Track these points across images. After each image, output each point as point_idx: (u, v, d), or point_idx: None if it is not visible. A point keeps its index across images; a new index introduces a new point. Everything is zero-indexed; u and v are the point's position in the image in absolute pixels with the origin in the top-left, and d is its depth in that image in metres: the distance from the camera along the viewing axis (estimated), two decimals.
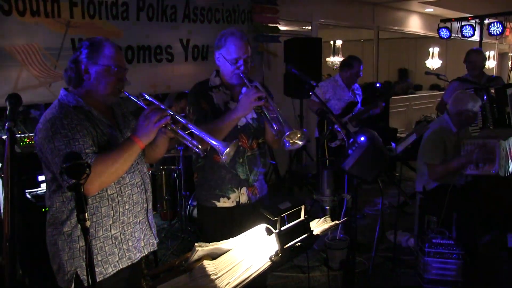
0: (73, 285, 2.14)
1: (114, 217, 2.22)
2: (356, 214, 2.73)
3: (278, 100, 2.62)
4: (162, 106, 2.14)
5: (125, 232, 2.28)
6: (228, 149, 2.16)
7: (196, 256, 1.72)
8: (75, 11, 4.45)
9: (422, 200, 4.82)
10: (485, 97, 5.26)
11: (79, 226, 2.05)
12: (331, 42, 12.05)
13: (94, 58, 2.16)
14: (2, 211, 4.09)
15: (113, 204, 2.21)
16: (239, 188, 2.87)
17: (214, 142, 2.17)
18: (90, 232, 2.05)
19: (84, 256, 2.11)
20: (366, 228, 5.64)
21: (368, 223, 5.87)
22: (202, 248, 1.72)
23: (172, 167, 5.15)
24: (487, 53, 6.62)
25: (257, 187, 2.96)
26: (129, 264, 2.31)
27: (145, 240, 2.43)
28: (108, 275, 2.21)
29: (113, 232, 2.22)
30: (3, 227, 1.58)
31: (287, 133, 2.44)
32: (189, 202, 5.09)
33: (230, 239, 1.82)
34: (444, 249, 4.01)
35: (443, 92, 6.24)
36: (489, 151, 4.10)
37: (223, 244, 1.77)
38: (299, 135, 2.52)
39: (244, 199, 2.89)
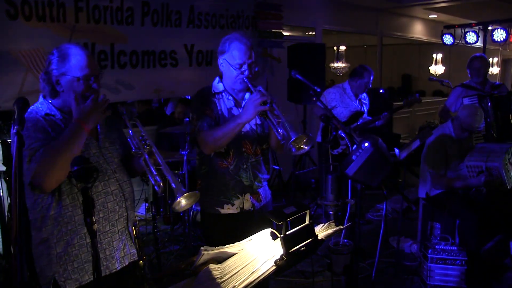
0: None
1: None
2: (360, 220, 2.73)
3: (281, 105, 2.61)
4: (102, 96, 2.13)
5: (101, 241, 2.25)
6: (181, 198, 2.10)
7: (201, 260, 1.72)
8: (80, 16, 4.48)
9: (425, 206, 4.82)
10: (489, 104, 5.27)
11: (55, 232, 2.13)
12: (335, 48, 12.08)
13: (63, 69, 2.14)
14: (7, 214, 4.11)
15: None
16: (243, 195, 2.85)
17: (174, 186, 2.11)
18: (65, 239, 2.13)
19: (61, 262, 2.15)
20: (369, 233, 5.63)
21: (371, 228, 5.87)
22: (208, 252, 1.72)
23: (176, 171, 5.16)
24: (490, 60, 6.62)
25: (261, 194, 2.94)
26: (107, 273, 2.28)
27: (125, 250, 2.39)
28: (84, 282, 2.20)
29: (87, 240, 2.18)
30: (11, 231, 1.59)
31: (293, 138, 2.43)
32: (192, 206, 5.09)
33: (236, 243, 1.83)
34: (447, 255, 4.01)
35: (446, 98, 6.23)
36: (495, 175, 4.12)
37: (228, 248, 1.78)
38: (305, 140, 2.51)
39: (247, 205, 2.87)
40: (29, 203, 2.15)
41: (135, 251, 2.47)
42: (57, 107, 2.21)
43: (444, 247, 4.05)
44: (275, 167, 6.82)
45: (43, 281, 2.17)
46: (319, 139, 5.83)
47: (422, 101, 12.62)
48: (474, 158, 4.28)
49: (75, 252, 2.18)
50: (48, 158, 1.97)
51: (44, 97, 2.23)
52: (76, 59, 2.14)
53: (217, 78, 2.88)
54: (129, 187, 2.41)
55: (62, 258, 2.16)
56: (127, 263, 2.41)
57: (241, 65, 2.71)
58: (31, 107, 2.17)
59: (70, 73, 2.13)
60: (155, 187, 2.15)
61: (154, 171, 2.15)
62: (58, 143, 2.02)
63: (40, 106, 2.19)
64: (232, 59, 2.72)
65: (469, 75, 5.68)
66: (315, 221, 2.19)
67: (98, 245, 2.17)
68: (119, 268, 2.35)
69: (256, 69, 2.80)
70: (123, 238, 2.37)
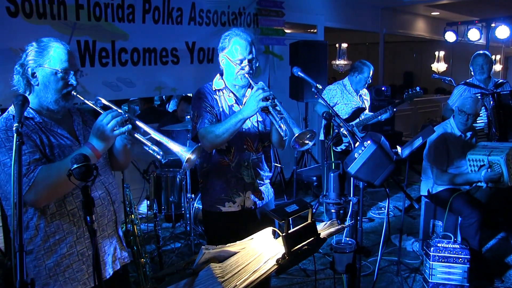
0: None
1: (77, 233, 2.11)
2: (362, 218, 2.71)
3: (283, 103, 2.59)
4: (121, 112, 2.03)
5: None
6: (190, 154, 2.06)
7: (203, 258, 1.71)
8: (81, 13, 4.47)
9: (427, 204, 4.81)
10: (492, 103, 5.24)
11: (41, 243, 2.02)
12: (337, 46, 12.05)
13: (41, 60, 2.03)
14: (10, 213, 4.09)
15: (75, 220, 2.09)
16: (245, 192, 2.83)
17: (174, 147, 2.07)
18: (54, 249, 2.03)
19: (51, 274, 2.06)
20: (371, 231, 5.62)
21: (373, 226, 5.86)
22: (209, 251, 1.71)
23: (177, 169, 5.15)
24: (493, 57, 6.59)
25: (263, 192, 2.92)
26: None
27: (115, 254, 2.32)
28: None
29: (78, 249, 2.11)
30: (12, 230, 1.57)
31: (297, 134, 2.42)
32: (194, 204, 5.09)
33: (237, 242, 1.82)
34: (450, 253, 3.99)
35: (448, 96, 6.21)
36: (496, 170, 4.11)
37: (230, 247, 1.76)
38: (308, 135, 2.50)
39: (249, 203, 2.85)
40: (10, 214, 2.05)
41: (126, 254, 2.41)
42: (35, 109, 2.09)
43: (447, 245, 4.03)
44: (276, 164, 6.81)
45: None
46: (321, 136, 5.81)
47: (424, 98, 12.66)
48: (477, 153, 4.27)
49: (66, 262, 2.09)
50: (48, 181, 1.89)
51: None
52: (56, 52, 2.05)
53: (218, 75, 2.87)
54: (114, 188, 2.32)
55: (52, 270, 2.07)
56: (119, 267, 2.34)
57: (241, 61, 2.69)
58: (6, 112, 2.07)
59: (49, 65, 2.03)
60: (157, 156, 2.06)
61: (147, 142, 2.07)
62: (60, 167, 1.90)
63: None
64: (232, 55, 2.70)
65: (472, 72, 5.65)
66: (316, 219, 2.18)
67: (89, 252, 2.13)
68: (112, 273, 2.28)
69: (256, 65, 2.78)
70: (113, 242, 2.30)
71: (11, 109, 2.06)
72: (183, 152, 2.05)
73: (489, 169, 4.15)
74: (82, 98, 2.12)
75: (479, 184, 4.34)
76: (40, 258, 2.05)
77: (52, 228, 2.04)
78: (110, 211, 2.25)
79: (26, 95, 2.04)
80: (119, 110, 2.04)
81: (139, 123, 2.08)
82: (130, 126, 2.02)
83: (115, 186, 2.35)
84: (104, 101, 2.18)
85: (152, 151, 2.07)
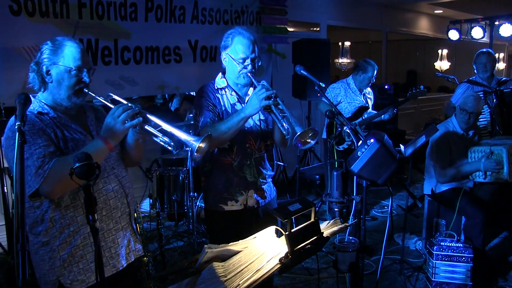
0: None
1: None
2: (365, 216, 2.71)
3: (286, 101, 2.59)
4: (132, 105, 2.09)
5: (106, 239, 2.23)
6: (200, 143, 2.10)
7: (205, 258, 1.71)
8: (84, 12, 4.47)
9: (430, 202, 4.80)
10: (495, 100, 5.22)
11: (57, 235, 2.08)
12: (340, 44, 12.03)
13: (55, 59, 2.10)
14: (11, 211, 4.11)
15: None
16: (247, 191, 2.82)
17: (184, 137, 2.11)
18: (68, 241, 2.09)
19: (65, 265, 2.12)
20: (374, 230, 5.61)
21: (376, 225, 5.85)
22: (211, 250, 1.71)
23: (180, 168, 5.15)
24: (496, 55, 6.56)
25: (265, 190, 2.91)
26: (114, 272, 2.27)
27: (130, 247, 2.38)
28: (91, 283, 2.16)
29: (92, 240, 2.14)
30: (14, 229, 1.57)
31: (299, 133, 2.42)
32: (197, 203, 5.09)
33: (240, 241, 1.81)
34: (453, 252, 3.98)
35: (451, 94, 6.18)
36: (497, 159, 4.09)
37: (232, 246, 1.76)
38: (310, 134, 2.50)
39: (252, 202, 2.84)
40: (30, 212, 2.11)
41: (141, 247, 2.46)
42: (49, 105, 2.16)
43: (450, 244, 4.02)
44: (279, 163, 6.80)
45: (46, 286, 2.14)
46: (324, 135, 5.80)
47: (427, 97, 12.65)
48: (481, 146, 4.27)
49: (80, 253, 2.15)
50: (61, 172, 1.90)
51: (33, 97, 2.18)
52: (70, 50, 2.11)
53: (220, 74, 2.86)
54: (128, 182, 2.38)
55: (67, 261, 2.12)
56: (133, 259, 2.40)
57: (244, 60, 2.68)
58: None
59: (63, 63, 2.10)
60: (167, 146, 2.11)
61: (158, 134, 2.12)
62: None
63: (31, 105, 2.11)
64: (235, 54, 2.69)
65: (475, 70, 5.62)
66: (319, 218, 2.17)
67: (103, 244, 2.19)
68: (125, 265, 2.33)
69: (259, 64, 2.77)
70: (127, 234, 2.35)
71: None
72: (193, 142, 2.09)
73: (489, 156, 4.12)
74: (93, 95, 2.18)
75: (477, 178, 4.28)
76: (55, 250, 2.11)
77: (67, 220, 2.11)
78: (123, 204, 2.31)
79: (41, 92, 2.16)
80: (130, 104, 2.08)
81: (150, 116, 2.13)
82: (141, 118, 2.08)
83: (129, 180, 2.40)
84: (115, 97, 2.25)
85: (163, 143, 2.12)
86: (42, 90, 2.16)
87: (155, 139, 2.14)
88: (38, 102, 2.15)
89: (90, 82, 2.19)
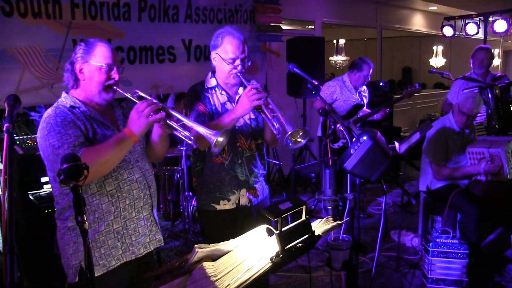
0: (77, 278, 2.23)
1: (115, 213, 2.30)
2: (359, 214, 2.71)
3: (281, 99, 2.60)
4: (156, 101, 2.19)
5: (128, 227, 2.35)
6: (219, 137, 2.17)
7: (196, 257, 1.70)
8: (77, 12, 4.45)
9: (426, 199, 4.80)
10: (489, 96, 5.22)
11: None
12: (334, 41, 12.03)
13: (87, 57, 2.25)
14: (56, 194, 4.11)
15: (113, 200, 2.29)
16: (239, 190, 2.82)
17: (204, 131, 2.19)
18: (93, 227, 2.23)
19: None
20: (370, 227, 5.62)
21: (372, 222, 5.85)
22: (202, 250, 1.70)
23: (175, 167, 5.15)
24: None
25: (258, 189, 2.90)
26: (133, 258, 2.38)
27: (150, 236, 2.50)
28: (111, 267, 2.29)
29: (115, 227, 2.30)
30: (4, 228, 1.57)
31: (289, 132, 2.41)
32: (192, 202, 5.09)
33: (231, 240, 1.80)
34: (449, 249, 4.00)
35: (447, 91, 6.19)
36: (496, 162, 4.10)
37: (223, 246, 1.75)
38: (301, 133, 2.49)
39: (244, 201, 2.83)
40: (56, 193, 2.27)
41: (161, 237, 2.58)
42: (81, 100, 2.30)
43: (445, 241, 4.03)
44: (275, 161, 6.81)
45: (69, 270, 2.25)
46: (319, 133, 5.80)
47: (423, 93, 12.66)
48: (477, 146, 4.27)
49: (102, 239, 2.27)
50: (88, 161, 1.92)
51: (66, 93, 2.33)
52: (101, 49, 2.27)
53: (210, 73, 2.85)
54: (150, 175, 2.50)
55: (89, 245, 2.18)
56: (152, 249, 2.51)
57: (234, 60, 2.67)
58: (56, 102, 2.29)
59: (94, 61, 2.25)
60: (187, 140, 2.20)
61: (180, 129, 2.22)
62: (102, 148, 2.13)
63: (64, 100, 2.28)
64: (225, 54, 2.68)
65: (471, 65, 5.63)
66: (315, 216, 2.17)
67: (124, 231, 2.34)
68: (144, 253, 2.45)
69: (249, 63, 2.76)
70: (148, 224, 2.47)
71: (61, 100, 2.29)
72: (211, 136, 2.17)
73: (489, 162, 4.14)
74: (121, 91, 2.32)
75: (478, 178, 4.33)
76: (80, 235, 2.12)
77: (93, 207, 2.24)
78: (146, 194, 2.44)
79: (74, 89, 2.32)
80: (154, 100, 2.20)
81: (172, 111, 2.23)
82: (164, 113, 2.17)
83: (151, 173, 2.53)
84: (140, 93, 2.35)
85: (184, 137, 2.21)
86: (75, 87, 2.31)
87: (176, 133, 2.25)
88: (71, 98, 2.29)
89: (119, 79, 2.34)
